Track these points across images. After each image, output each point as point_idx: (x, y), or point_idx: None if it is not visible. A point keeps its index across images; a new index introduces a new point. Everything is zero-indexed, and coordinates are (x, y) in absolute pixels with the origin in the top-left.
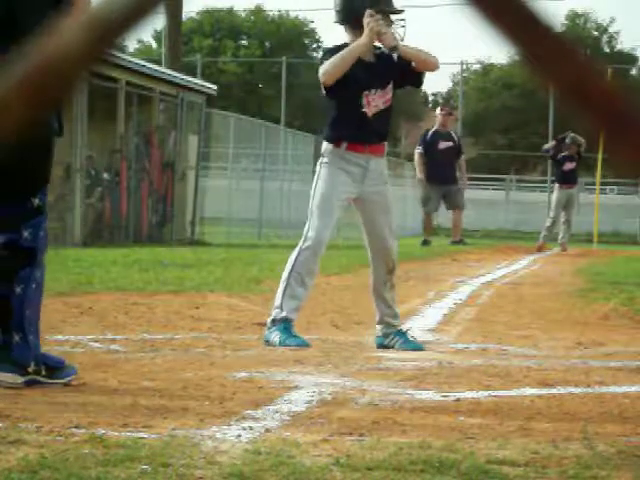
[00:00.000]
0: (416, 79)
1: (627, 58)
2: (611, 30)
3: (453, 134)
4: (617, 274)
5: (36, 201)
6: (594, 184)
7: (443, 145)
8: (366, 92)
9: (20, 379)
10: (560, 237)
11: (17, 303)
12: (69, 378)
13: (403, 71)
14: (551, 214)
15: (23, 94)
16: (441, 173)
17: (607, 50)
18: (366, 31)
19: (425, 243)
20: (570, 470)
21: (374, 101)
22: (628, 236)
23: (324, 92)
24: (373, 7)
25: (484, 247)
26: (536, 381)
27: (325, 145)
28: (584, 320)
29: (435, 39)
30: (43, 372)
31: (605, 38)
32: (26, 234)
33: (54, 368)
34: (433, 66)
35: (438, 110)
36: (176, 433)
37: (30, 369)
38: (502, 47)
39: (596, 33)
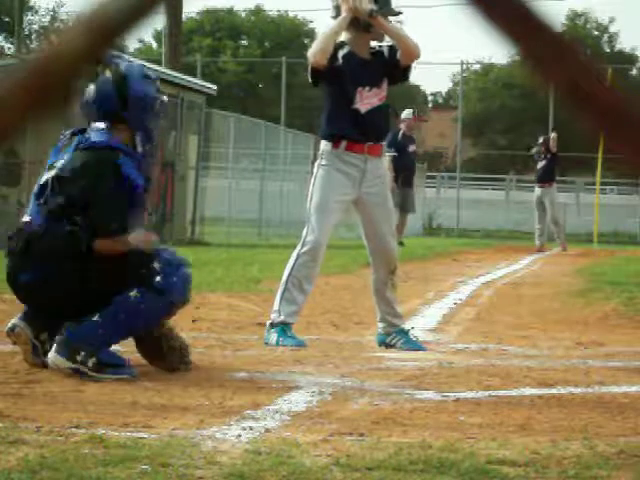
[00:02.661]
0: (403, 74)
1: (627, 58)
2: (611, 30)
3: (415, 138)
4: (617, 274)
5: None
6: (594, 184)
7: (411, 148)
8: (360, 88)
9: (67, 364)
10: (556, 237)
11: (121, 300)
12: (122, 376)
13: (392, 66)
14: (535, 215)
15: (23, 94)
16: (409, 175)
17: (607, 50)
18: (343, 6)
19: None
20: (570, 470)
21: (368, 98)
22: (628, 236)
23: (310, 80)
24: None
25: (484, 247)
26: (536, 381)
27: (323, 145)
28: (584, 320)
29: (435, 39)
30: (90, 365)
31: (605, 38)
32: (158, 278)
33: (107, 364)
34: (414, 51)
35: (409, 114)
36: (176, 433)
37: (78, 357)
38: (502, 47)
39: (596, 33)
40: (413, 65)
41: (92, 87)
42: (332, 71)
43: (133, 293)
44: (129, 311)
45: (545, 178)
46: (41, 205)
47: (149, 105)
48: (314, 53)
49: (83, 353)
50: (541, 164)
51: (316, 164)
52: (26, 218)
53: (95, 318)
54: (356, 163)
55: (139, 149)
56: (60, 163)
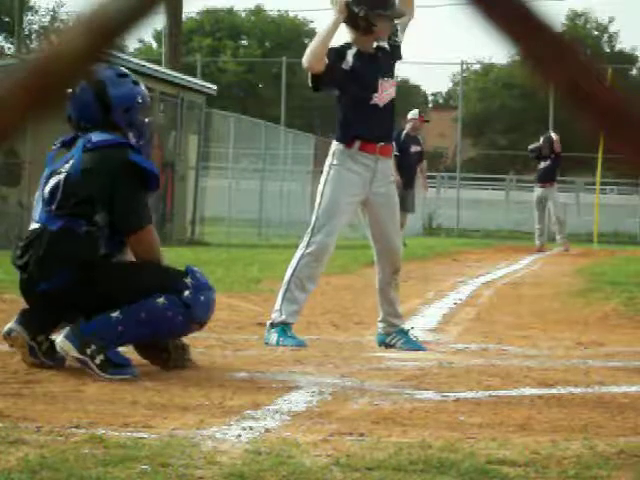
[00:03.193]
0: (398, 52)
1: (627, 58)
2: (611, 30)
3: (420, 138)
4: (617, 274)
5: (185, 293)
6: (594, 184)
7: (414, 149)
8: (380, 80)
9: (75, 353)
10: (558, 238)
11: (146, 302)
12: (124, 376)
13: (394, 55)
14: (535, 215)
15: (23, 94)
16: (410, 176)
17: (607, 50)
18: (334, 7)
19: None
20: (570, 470)
21: (386, 89)
22: (628, 236)
23: (310, 85)
24: (374, 10)
25: (484, 247)
26: (536, 381)
27: (335, 145)
28: (584, 320)
29: (435, 39)
30: (97, 361)
31: (605, 38)
32: (187, 293)
33: (114, 363)
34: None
35: (415, 114)
36: (176, 433)
37: (88, 350)
38: (502, 47)
39: (596, 33)
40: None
41: (71, 102)
42: (344, 74)
43: (161, 300)
44: (154, 315)
45: (547, 178)
46: (53, 211)
47: (132, 102)
48: (307, 59)
49: (94, 347)
50: (544, 164)
51: (327, 164)
52: (35, 225)
53: (115, 314)
54: (367, 163)
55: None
56: (67, 167)
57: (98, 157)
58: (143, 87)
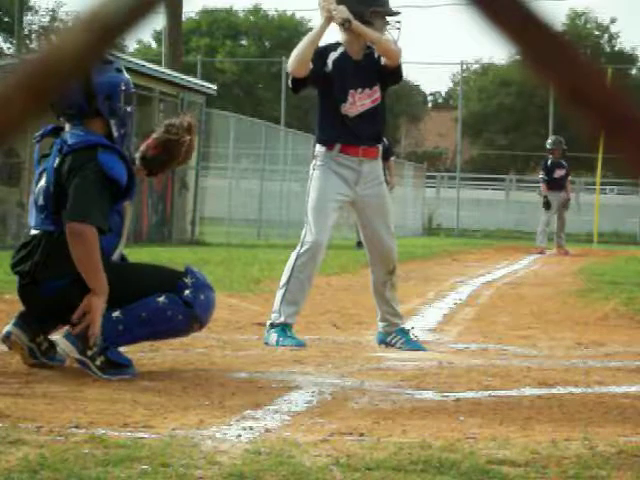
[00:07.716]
0: (394, 76)
1: (627, 58)
2: (612, 30)
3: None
4: (617, 274)
5: (186, 292)
6: (594, 184)
7: None
8: (352, 91)
9: (76, 355)
10: (557, 239)
11: (147, 301)
12: (123, 377)
13: (382, 68)
14: (543, 217)
15: (23, 94)
16: None
17: (607, 50)
18: (320, 12)
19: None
20: (570, 470)
21: (360, 100)
22: (628, 236)
23: (291, 86)
24: (368, 7)
25: (484, 247)
26: (536, 381)
27: (318, 147)
28: (584, 320)
29: (435, 39)
30: (98, 363)
31: (605, 38)
32: (187, 292)
33: (114, 363)
34: (393, 55)
35: None
36: (176, 433)
37: (89, 352)
38: (502, 47)
39: (597, 33)
40: (399, 66)
41: None
42: (323, 78)
43: (161, 299)
44: (154, 314)
45: (565, 184)
46: (50, 215)
47: (114, 89)
48: (291, 63)
49: (95, 349)
50: (560, 172)
51: (312, 165)
52: (33, 232)
53: (115, 314)
54: (351, 165)
55: (115, 134)
56: (49, 171)
57: (70, 160)
58: (126, 75)
